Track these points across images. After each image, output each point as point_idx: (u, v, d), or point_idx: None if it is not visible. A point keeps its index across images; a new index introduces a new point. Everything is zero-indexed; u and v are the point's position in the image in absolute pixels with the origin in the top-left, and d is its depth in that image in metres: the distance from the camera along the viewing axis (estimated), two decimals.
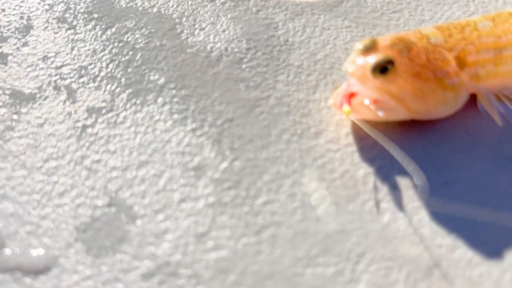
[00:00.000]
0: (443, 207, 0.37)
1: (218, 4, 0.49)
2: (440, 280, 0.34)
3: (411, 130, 0.40)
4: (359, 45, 0.37)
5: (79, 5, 0.49)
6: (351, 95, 0.39)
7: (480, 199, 0.37)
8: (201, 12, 0.48)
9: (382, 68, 0.36)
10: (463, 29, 0.39)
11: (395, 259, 0.35)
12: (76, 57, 0.45)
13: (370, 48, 0.37)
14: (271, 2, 0.49)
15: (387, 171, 0.38)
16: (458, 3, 0.49)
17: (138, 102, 0.42)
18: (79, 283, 0.33)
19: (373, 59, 0.36)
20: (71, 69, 0.44)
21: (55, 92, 0.42)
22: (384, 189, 0.38)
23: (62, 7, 0.48)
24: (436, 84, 0.37)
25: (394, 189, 0.38)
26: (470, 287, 0.34)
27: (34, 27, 0.47)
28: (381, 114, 0.37)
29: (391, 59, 0.36)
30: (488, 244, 0.35)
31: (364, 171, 0.39)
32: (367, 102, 0.38)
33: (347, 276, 0.34)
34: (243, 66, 0.44)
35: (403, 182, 0.38)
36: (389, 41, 0.37)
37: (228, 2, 0.49)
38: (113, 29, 0.47)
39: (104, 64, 0.44)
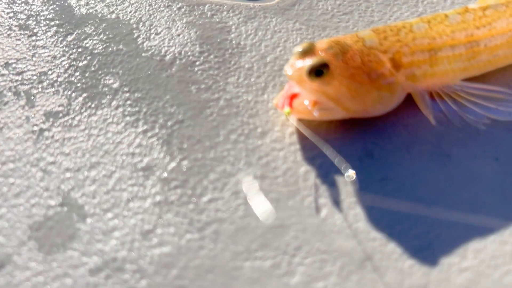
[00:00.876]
0: (379, 202, 0.39)
1: (174, 9, 0.51)
2: (372, 272, 0.36)
3: (352, 128, 0.42)
4: (297, 49, 0.39)
5: (41, 12, 0.50)
6: (293, 96, 0.41)
7: (416, 195, 0.39)
8: (158, 17, 0.50)
9: (318, 71, 0.38)
10: (398, 31, 0.40)
11: (330, 252, 0.37)
12: (36, 63, 0.46)
13: (307, 52, 0.39)
14: (225, 7, 0.51)
15: (326, 168, 0.40)
16: (407, 3, 0.51)
17: (93, 105, 0.44)
18: (30, 278, 0.35)
19: (308, 63, 0.38)
20: (31, 74, 0.46)
21: (15, 97, 0.44)
22: (323, 186, 0.39)
23: (25, 14, 0.50)
24: (371, 85, 0.39)
25: (333, 185, 0.39)
26: (401, 278, 0.36)
27: None
28: (316, 115, 0.39)
29: (325, 62, 0.38)
30: (421, 237, 0.37)
31: (305, 168, 0.40)
32: (307, 103, 0.40)
33: (283, 268, 0.36)
34: (195, 69, 0.46)
35: (341, 179, 0.40)
36: (325, 45, 0.39)
37: (184, 7, 0.51)
38: (73, 35, 0.49)
39: (62, 70, 0.46)
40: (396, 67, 0.40)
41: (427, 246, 0.37)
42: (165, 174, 0.40)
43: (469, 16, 0.42)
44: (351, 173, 0.38)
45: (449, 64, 0.41)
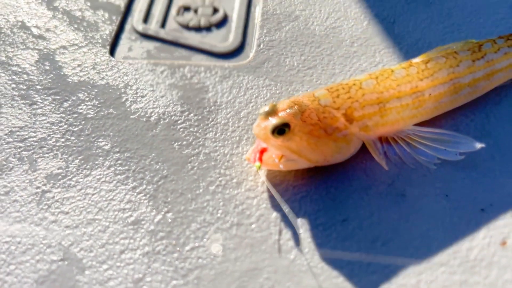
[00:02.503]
0: (341, 242, 0.44)
1: (157, 73, 0.56)
2: None
3: (316, 175, 0.48)
4: (262, 111, 0.45)
5: (40, 81, 0.56)
6: (262, 151, 0.46)
7: (374, 233, 0.44)
8: (143, 81, 0.56)
9: (280, 130, 0.43)
10: (349, 88, 0.46)
11: None
12: (37, 130, 0.52)
13: (270, 113, 0.44)
14: (202, 68, 0.56)
15: (295, 212, 0.45)
16: (365, 54, 0.56)
17: (88, 166, 0.49)
18: None
19: (271, 122, 0.43)
20: (33, 141, 0.51)
21: (19, 162, 0.50)
22: (291, 230, 0.44)
23: (26, 84, 0.56)
24: (328, 138, 0.44)
25: (300, 227, 0.44)
26: None
27: (2, 105, 0.55)
28: (282, 167, 0.45)
29: (286, 122, 0.43)
30: (379, 272, 0.42)
31: (276, 214, 0.46)
32: (274, 156, 0.45)
33: None
34: (178, 127, 0.52)
35: (308, 223, 0.45)
36: (286, 106, 0.44)
37: (167, 70, 0.57)
38: (69, 102, 0.54)
39: (60, 135, 0.52)
40: (349, 120, 0.45)
41: (385, 279, 0.42)
42: (152, 227, 0.45)
43: (413, 70, 0.47)
44: (302, 232, 0.43)
45: (398, 113, 0.46)
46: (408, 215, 0.45)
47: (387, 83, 0.46)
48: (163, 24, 0.62)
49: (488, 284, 0.41)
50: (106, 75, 0.57)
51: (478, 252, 0.43)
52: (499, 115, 0.51)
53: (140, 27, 0.62)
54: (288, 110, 0.44)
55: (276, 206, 0.46)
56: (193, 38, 0.60)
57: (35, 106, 0.54)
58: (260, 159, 0.46)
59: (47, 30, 0.62)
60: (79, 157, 0.50)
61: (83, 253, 0.44)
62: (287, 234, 0.44)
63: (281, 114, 0.44)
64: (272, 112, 0.44)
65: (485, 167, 0.47)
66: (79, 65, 0.58)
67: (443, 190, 0.46)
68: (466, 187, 0.46)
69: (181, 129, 0.52)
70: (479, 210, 0.45)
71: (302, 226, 0.44)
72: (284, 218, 0.45)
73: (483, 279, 0.41)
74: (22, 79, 0.57)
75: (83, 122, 0.53)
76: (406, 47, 0.57)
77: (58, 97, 0.55)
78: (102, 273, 0.43)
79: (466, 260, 0.42)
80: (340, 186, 0.47)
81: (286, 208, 0.44)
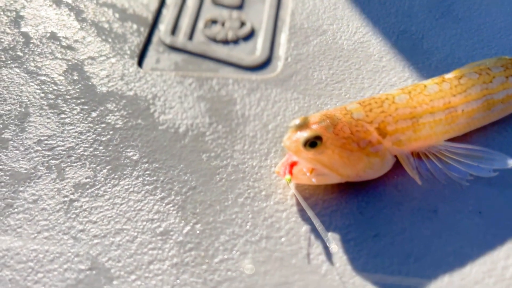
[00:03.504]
0: (373, 257, 0.43)
1: (186, 85, 0.57)
2: None
3: (347, 190, 0.47)
4: (293, 123, 0.44)
5: (68, 91, 0.57)
6: (292, 164, 0.46)
7: (405, 250, 0.43)
8: (171, 92, 0.56)
9: (312, 143, 0.43)
10: (382, 103, 0.45)
11: None
12: (65, 139, 0.52)
13: (302, 126, 0.44)
14: (230, 80, 0.56)
15: (325, 227, 0.45)
16: (394, 69, 0.56)
17: (116, 176, 0.49)
18: None
19: (303, 135, 0.43)
20: (61, 150, 0.52)
21: (47, 171, 0.50)
22: (322, 244, 0.44)
23: (54, 94, 0.57)
24: (361, 152, 0.44)
25: (331, 242, 0.44)
26: None
27: (31, 114, 0.55)
28: (314, 181, 0.44)
29: (319, 135, 0.43)
30: None
31: (306, 228, 0.45)
32: (305, 170, 0.45)
33: None
34: (206, 139, 0.52)
35: (338, 237, 0.44)
36: (318, 118, 0.44)
37: (195, 82, 0.57)
38: (97, 112, 0.55)
39: (88, 144, 0.52)
40: (382, 135, 0.45)
41: None
42: (180, 238, 0.45)
43: (445, 85, 0.47)
44: (333, 247, 0.42)
45: (431, 128, 0.46)
46: (441, 232, 0.44)
47: (420, 98, 0.46)
48: (190, 37, 0.62)
49: None
50: (134, 86, 0.57)
51: None
52: None
53: (168, 39, 0.62)
54: (320, 123, 0.44)
55: (306, 220, 0.45)
56: (220, 51, 0.60)
57: (63, 116, 0.55)
58: (290, 173, 0.45)
59: (76, 41, 0.62)
60: (107, 167, 0.50)
61: (111, 263, 0.44)
62: (317, 248, 0.44)
63: (313, 127, 0.44)
64: (304, 125, 0.44)
65: None
66: (107, 76, 0.58)
67: (476, 207, 0.45)
68: (500, 204, 0.45)
69: (209, 141, 0.52)
70: None
71: (333, 241, 0.43)
72: (314, 232, 0.44)
73: None
74: (50, 89, 0.57)
75: (111, 132, 0.53)
76: (436, 63, 0.56)
77: (86, 107, 0.55)
78: (131, 283, 0.42)
79: (502, 279, 0.41)
80: (371, 201, 0.46)
81: (316, 222, 0.43)
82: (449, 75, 0.48)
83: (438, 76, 0.49)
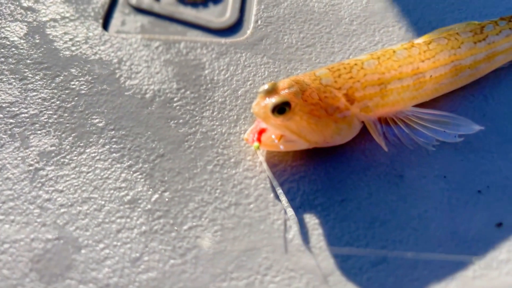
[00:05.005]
0: (339, 222, 0.44)
1: (152, 48, 0.55)
2: (334, 286, 0.41)
3: (315, 156, 0.47)
4: (262, 89, 0.44)
5: (30, 55, 0.54)
6: (261, 131, 0.46)
7: (372, 214, 0.44)
8: (137, 56, 0.54)
9: (281, 109, 0.43)
10: (351, 68, 0.45)
11: (297, 270, 0.42)
12: (28, 106, 0.51)
13: (270, 92, 0.43)
14: (199, 44, 0.55)
15: (293, 193, 0.45)
16: (365, 33, 0.55)
17: (82, 144, 0.48)
18: None
19: (272, 101, 0.43)
20: (24, 117, 0.50)
21: (11, 139, 0.49)
22: (290, 209, 0.44)
23: (15, 58, 0.54)
24: (329, 118, 0.44)
25: (299, 208, 0.44)
26: None
27: None
28: (282, 147, 0.44)
29: (287, 100, 0.43)
30: (376, 252, 0.42)
31: (275, 194, 0.45)
32: (273, 136, 0.45)
33: (257, 287, 0.41)
34: (174, 105, 0.51)
35: (306, 202, 0.45)
36: (286, 84, 0.44)
37: (161, 46, 0.55)
38: (61, 77, 0.53)
39: (52, 111, 0.50)
40: (350, 101, 0.45)
41: (382, 260, 0.42)
42: (149, 206, 0.45)
43: (414, 51, 0.47)
44: (292, 220, 0.43)
45: (399, 94, 0.46)
46: (406, 196, 0.45)
47: (389, 64, 0.46)
48: None
49: (484, 264, 0.41)
50: (99, 49, 0.55)
51: (475, 233, 0.43)
52: (497, 98, 0.51)
53: (134, 0, 0.60)
54: (288, 89, 0.44)
55: (274, 186, 0.46)
56: (188, 13, 0.58)
57: (26, 81, 0.53)
58: (259, 140, 0.45)
59: (36, 1, 0.59)
60: (73, 135, 0.49)
61: (79, 232, 0.43)
62: (285, 214, 0.44)
63: (281, 92, 0.43)
64: (272, 90, 0.44)
65: (483, 149, 0.47)
66: (70, 39, 0.56)
67: (441, 172, 0.46)
68: (464, 169, 0.46)
69: (178, 107, 0.51)
70: (476, 191, 0.45)
71: (291, 215, 0.43)
72: (283, 197, 0.45)
73: (479, 260, 0.42)
74: (11, 53, 0.55)
75: (76, 98, 0.51)
76: (406, 27, 0.56)
77: (50, 72, 0.53)
78: (99, 252, 0.42)
79: (463, 241, 0.42)
80: (338, 167, 0.46)
81: (280, 193, 0.43)
82: (418, 40, 0.48)
83: (408, 41, 0.49)
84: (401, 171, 0.46)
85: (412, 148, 0.47)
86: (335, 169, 0.46)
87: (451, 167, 0.47)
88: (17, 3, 0.59)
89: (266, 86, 0.44)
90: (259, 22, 0.57)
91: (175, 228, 0.44)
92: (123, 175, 0.46)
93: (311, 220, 0.44)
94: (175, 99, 0.51)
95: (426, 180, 0.46)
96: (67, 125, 0.50)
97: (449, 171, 0.46)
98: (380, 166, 0.47)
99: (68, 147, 0.48)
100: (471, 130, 0.46)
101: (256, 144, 0.45)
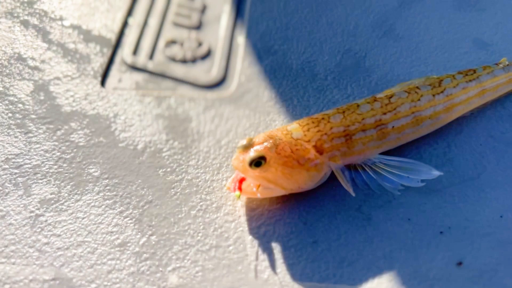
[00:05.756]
0: (311, 262, 0.47)
1: (145, 104, 0.61)
2: None
3: (290, 200, 0.51)
4: (240, 144, 0.49)
5: (35, 111, 0.60)
6: (242, 180, 0.50)
7: (340, 255, 0.48)
8: (131, 111, 0.60)
9: (257, 162, 0.48)
10: (319, 122, 0.50)
11: None
12: (31, 157, 0.56)
13: (247, 147, 0.48)
14: (187, 99, 0.61)
15: (269, 235, 0.49)
16: (338, 87, 0.61)
17: (78, 192, 0.53)
18: None
19: (249, 155, 0.47)
20: (28, 167, 0.55)
21: (15, 188, 0.54)
22: (266, 251, 0.48)
23: (22, 113, 0.60)
24: (301, 168, 0.49)
25: (274, 249, 0.48)
26: None
27: None
28: (259, 195, 0.49)
29: (263, 155, 0.47)
30: None
31: (252, 237, 0.49)
32: (252, 185, 0.49)
33: None
34: (163, 155, 0.56)
35: (281, 244, 0.48)
36: (262, 139, 0.49)
37: (153, 101, 0.61)
38: (62, 131, 0.58)
39: (53, 162, 0.55)
40: (319, 151, 0.49)
41: None
42: (137, 249, 0.49)
43: (377, 104, 0.51)
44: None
45: (364, 144, 0.51)
46: (373, 238, 0.49)
47: (353, 117, 0.51)
48: (151, 56, 0.66)
49: None
50: (97, 105, 0.61)
51: (437, 272, 0.46)
52: (459, 144, 0.55)
53: (130, 59, 0.66)
54: (264, 144, 0.48)
55: (252, 229, 0.50)
56: (179, 70, 0.64)
57: (30, 135, 0.58)
58: (240, 188, 0.50)
59: (42, 61, 0.66)
60: (71, 183, 0.54)
61: (73, 273, 0.48)
62: (262, 255, 0.48)
63: (257, 147, 0.48)
64: (249, 146, 0.49)
65: (445, 193, 0.51)
66: (72, 96, 0.62)
67: (406, 214, 0.50)
68: (427, 212, 0.50)
69: (166, 157, 0.56)
70: (439, 232, 0.49)
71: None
72: (259, 239, 0.49)
73: None
74: (18, 109, 0.61)
75: (75, 150, 0.57)
76: (376, 80, 0.61)
77: (52, 126, 0.59)
78: None
79: (425, 279, 0.46)
80: (311, 211, 0.51)
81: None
82: (380, 95, 0.53)
83: (370, 96, 0.54)
84: (369, 214, 0.50)
85: (379, 193, 0.51)
86: (308, 213, 0.50)
87: (415, 210, 0.50)
88: (25, 64, 0.65)
89: (244, 142, 0.49)
90: (243, 78, 0.63)
91: (160, 269, 0.48)
92: (114, 220, 0.51)
93: (285, 261, 0.48)
94: (164, 150, 0.56)
95: (391, 222, 0.50)
96: (66, 174, 0.55)
97: (413, 213, 0.50)
98: (349, 210, 0.51)
99: (66, 194, 0.53)
100: (431, 175, 0.50)
101: (237, 193, 0.49)
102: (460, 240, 0.48)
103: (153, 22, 0.71)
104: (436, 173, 0.50)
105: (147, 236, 0.50)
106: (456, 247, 0.48)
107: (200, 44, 0.67)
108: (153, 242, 0.49)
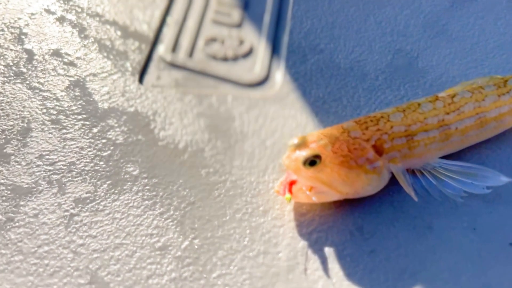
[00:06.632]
0: (368, 273, 0.43)
1: (185, 102, 0.58)
2: None
3: (344, 206, 0.48)
4: (292, 142, 0.45)
5: (70, 107, 0.58)
6: (292, 183, 0.47)
7: (401, 265, 0.44)
8: (171, 109, 0.57)
9: (311, 161, 0.44)
10: (378, 121, 0.46)
11: None
12: (66, 154, 0.53)
13: (301, 145, 0.45)
14: (229, 97, 0.58)
15: (321, 243, 0.45)
16: (390, 88, 0.57)
17: (116, 191, 0.50)
18: None
19: (303, 154, 0.44)
20: (62, 164, 0.52)
21: (48, 185, 0.51)
22: (319, 259, 0.44)
23: (56, 109, 0.58)
24: (359, 169, 0.45)
25: (327, 258, 0.44)
26: None
27: (33, 129, 0.56)
28: (315, 199, 0.45)
29: (318, 154, 0.44)
30: None
31: (303, 243, 0.46)
32: (304, 188, 0.46)
33: None
34: (205, 155, 0.52)
35: (335, 253, 0.45)
36: (316, 137, 0.45)
37: (194, 99, 0.58)
38: (98, 128, 0.56)
39: (89, 160, 0.53)
40: (378, 152, 0.46)
41: None
42: (179, 253, 0.45)
43: (439, 104, 0.48)
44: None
45: (425, 146, 0.47)
46: (435, 248, 0.45)
47: (415, 116, 0.47)
48: (190, 54, 0.64)
49: None
50: (135, 102, 0.58)
51: (508, 286, 0.42)
52: None
53: (169, 56, 0.63)
54: (318, 142, 0.45)
55: (303, 235, 0.46)
56: (220, 68, 0.62)
57: (65, 131, 0.56)
58: (290, 191, 0.46)
59: (78, 58, 0.63)
60: (108, 182, 0.51)
61: (110, 277, 0.44)
62: (314, 263, 0.44)
63: (311, 146, 0.45)
64: (302, 144, 0.45)
65: None
66: (108, 92, 0.59)
67: (471, 224, 0.46)
68: (493, 221, 0.46)
69: (208, 157, 0.52)
70: (508, 244, 0.45)
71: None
72: (312, 247, 0.45)
73: None
74: (52, 105, 0.58)
75: (112, 147, 0.54)
76: (430, 81, 0.58)
77: (88, 123, 0.56)
78: None
79: None
80: (367, 218, 0.47)
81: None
82: (442, 94, 0.50)
83: (432, 95, 0.50)
84: (430, 223, 0.46)
85: (440, 200, 0.47)
86: (364, 220, 0.47)
87: (481, 219, 0.46)
88: (60, 59, 0.63)
89: (296, 140, 0.46)
90: (287, 77, 0.60)
91: (204, 275, 0.44)
92: (154, 222, 0.48)
93: (340, 270, 0.44)
94: (206, 149, 0.53)
95: (455, 231, 0.46)
96: (103, 173, 0.52)
97: (478, 223, 0.46)
98: (408, 217, 0.47)
99: (102, 194, 0.50)
100: (499, 182, 0.46)
101: (288, 195, 0.46)
102: None
103: (192, 19, 0.68)
104: (504, 179, 0.46)
105: (189, 239, 0.46)
106: None
107: (241, 42, 0.65)
108: (196, 246, 0.46)
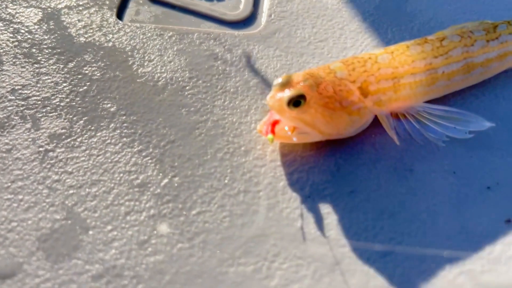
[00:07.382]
0: (348, 213, 0.44)
1: (165, 38, 0.55)
2: (341, 275, 0.41)
3: (325, 147, 0.47)
4: (277, 82, 0.44)
5: (44, 41, 0.55)
6: (275, 123, 0.46)
7: (380, 206, 0.44)
8: (151, 45, 0.55)
9: (296, 101, 0.43)
10: (365, 62, 0.45)
11: (305, 257, 0.41)
12: (40, 89, 0.51)
13: (285, 84, 0.43)
14: (212, 35, 0.55)
15: (302, 182, 0.45)
16: (377, 31, 0.56)
17: (93, 128, 0.48)
18: (39, 285, 0.40)
19: (287, 94, 0.43)
20: (36, 100, 0.50)
21: (22, 120, 0.49)
22: (299, 198, 0.44)
23: (29, 43, 0.55)
24: (343, 111, 0.44)
25: (308, 197, 0.44)
26: (367, 280, 0.40)
27: (4, 62, 0.53)
28: (295, 139, 0.44)
29: (302, 94, 0.43)
30: (384, 244, 0.42)
31: (284, 183, 0.45)
32: (287, 128, 0.45)
33: (264, 273, 0.41)
34: (185, 93, 0.51)
35: (315, 192, 0.45)
36: (301, 77, 0.44)
37: (175, 36, 0.55)
38: (73, 63, 0.53)
39: (64, 95, 0.50)
40: (364, 94, 0.45)
41: (390, 252, 0.42)
42: (158, 190, 0.45)
43: (427, 47, 0.47)
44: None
45: (411, 89, 0.46)
46: (416, 190, 0.45)
47: (402, 59, 0.46)
48: None
49: (492, 259, 0.41)
50: (113, 37, 0.55)
51: (484, 229, 0.43)
52: (508, 96, 0.51)
53: None
54: (303, 82, 0.44)
55: (284, 175, 0.46)
56: (202, 5, 0.59)
57: (38, 65, 0.53)
58: (273, 131, 0.45)
59: None
60: (84, 118, 0.49)
61: (87, 213, 0.43)
62: (294, 202, 0.44)
63: (296, 86, 0.44)
64: (287, 83, 0.44)
65: (492, 147, 0.48)
66: (84, 26, 0.56)
67: (451, 167, 0.46)
68: (473, 165, 0.46)
69: (189, 95, 0.51)
70: (486, 188, 0.45)
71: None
72: (292, 186, 0.45)
73: (487, 254, 0.41)
74: (25, 37, 0.55)
75: (88, 83, 0.52)
76: (418, 26, 0.56)
77: (63, 57, 0.54)
78: (106, 233, 0.42)
79: (472, 236, 0.42)
80: (348, 159, 0.46)
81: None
82: (431, 37, 0.48)
83: (421, 38, 0.49)
84: (411, 165, 0.46)
85: (422, 143, 0.47)
86: (345, 160, 0.46)
87: (461, 163, 0.47)
88: None
89: (280, 79, 0.44)
90: (273, 16, 0.58)
91: (184, 212, 0.43)
92: (133, 159, 0.46)
93: (320, 210, 0.44)
94: (187, 88, 0.51)
95: (435, 174, 0.46)
96: (79, 109, 0.50)
97: (458, 167, 0.46)
98: (390, 160, 0.47)
99: (79, 130, 0.48)
100: (481, 126, 0.46)
101: (270, 136, 0.45)
102: (508, 197, 0.45)
103: None
104: (487, 124, 0.46)
105: (169, 177, 0.45)
106: (505, 203, 0.44)
107: None
108: (176, 184, 0.45)
